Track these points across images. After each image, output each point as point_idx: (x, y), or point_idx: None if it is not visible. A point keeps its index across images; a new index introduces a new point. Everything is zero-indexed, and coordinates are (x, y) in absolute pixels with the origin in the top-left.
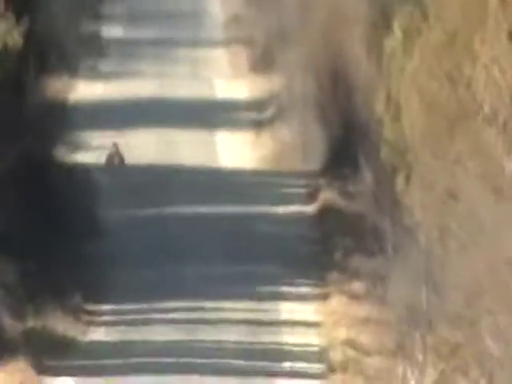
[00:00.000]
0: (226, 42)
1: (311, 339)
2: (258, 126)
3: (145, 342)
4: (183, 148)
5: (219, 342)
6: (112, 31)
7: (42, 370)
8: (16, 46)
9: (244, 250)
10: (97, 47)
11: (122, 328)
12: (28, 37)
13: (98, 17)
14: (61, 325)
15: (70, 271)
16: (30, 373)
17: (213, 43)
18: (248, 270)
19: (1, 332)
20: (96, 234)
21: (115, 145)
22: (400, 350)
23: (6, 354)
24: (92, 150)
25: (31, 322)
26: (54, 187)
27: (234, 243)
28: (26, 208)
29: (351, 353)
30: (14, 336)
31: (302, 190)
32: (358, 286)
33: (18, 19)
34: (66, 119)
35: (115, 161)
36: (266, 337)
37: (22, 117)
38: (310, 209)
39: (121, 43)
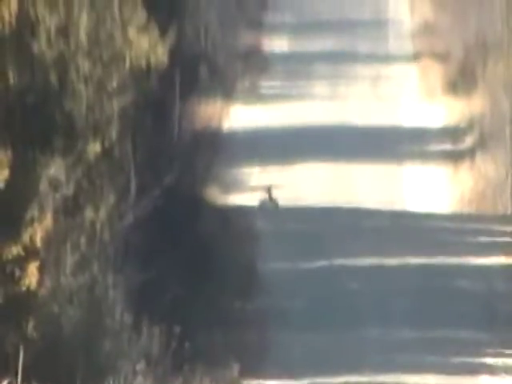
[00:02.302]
0: (415, 57)
1: None
2: (454, 159)
3: None
4: (360, 187)
5: None
6: (276, 44)
7: None
8: (160, 64)
9: (436, 311)
10: (257, 64)
11: None
12: (174, 53)
13: (258, 27)
14: None
15: (224, 336)
16: None
17: (399, 58)
18: (441, 335)
19: None
20: (255, 289)
21: (269, 188)
22: None
23: None
24: (248, 190)
25: None
26: (205, 233)
27: (424, 302)
28: (171, 256)
29: None
30: None
31: (510, 239)
32: None
33: (163, 32)
34: (219, 151)
35: (268, 206)
36: None
37: (167, 147)
38: None
39: (286, 59)
